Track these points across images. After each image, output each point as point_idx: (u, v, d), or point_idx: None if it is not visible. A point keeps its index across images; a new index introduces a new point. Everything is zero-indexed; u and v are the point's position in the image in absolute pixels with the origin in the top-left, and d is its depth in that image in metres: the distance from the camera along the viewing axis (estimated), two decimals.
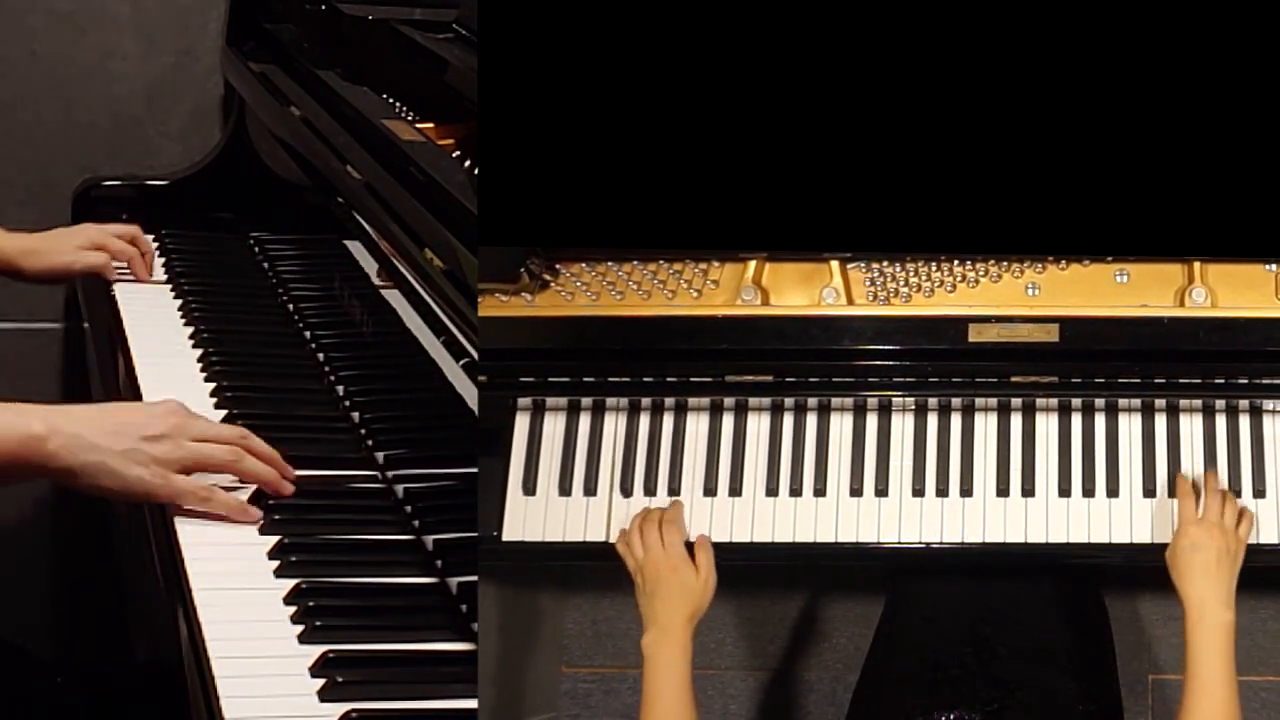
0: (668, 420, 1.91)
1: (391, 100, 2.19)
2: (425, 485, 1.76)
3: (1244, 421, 1.84)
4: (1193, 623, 1.65)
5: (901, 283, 1.83)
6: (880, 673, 1.96)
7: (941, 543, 1.83)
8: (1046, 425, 1.87)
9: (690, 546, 1.79)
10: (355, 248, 2.06)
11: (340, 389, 2.04)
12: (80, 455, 1.60)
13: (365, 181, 1.95)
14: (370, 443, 1.89)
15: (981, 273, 1.83)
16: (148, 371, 2.04)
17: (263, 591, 1.56)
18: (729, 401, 1.90)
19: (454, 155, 1.94)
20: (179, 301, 2.30)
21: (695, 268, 1.86)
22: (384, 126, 1.99)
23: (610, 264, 1.86)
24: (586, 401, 1.91)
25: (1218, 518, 1.73)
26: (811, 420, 1.89)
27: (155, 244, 2.50)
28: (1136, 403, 1.85)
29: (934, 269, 1.83)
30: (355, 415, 1.95)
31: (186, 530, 1.65)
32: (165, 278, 2.40)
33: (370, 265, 1.98)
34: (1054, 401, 1.86)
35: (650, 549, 1.77)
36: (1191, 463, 1.83)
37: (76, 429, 1.60)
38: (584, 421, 1.92)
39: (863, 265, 1.84)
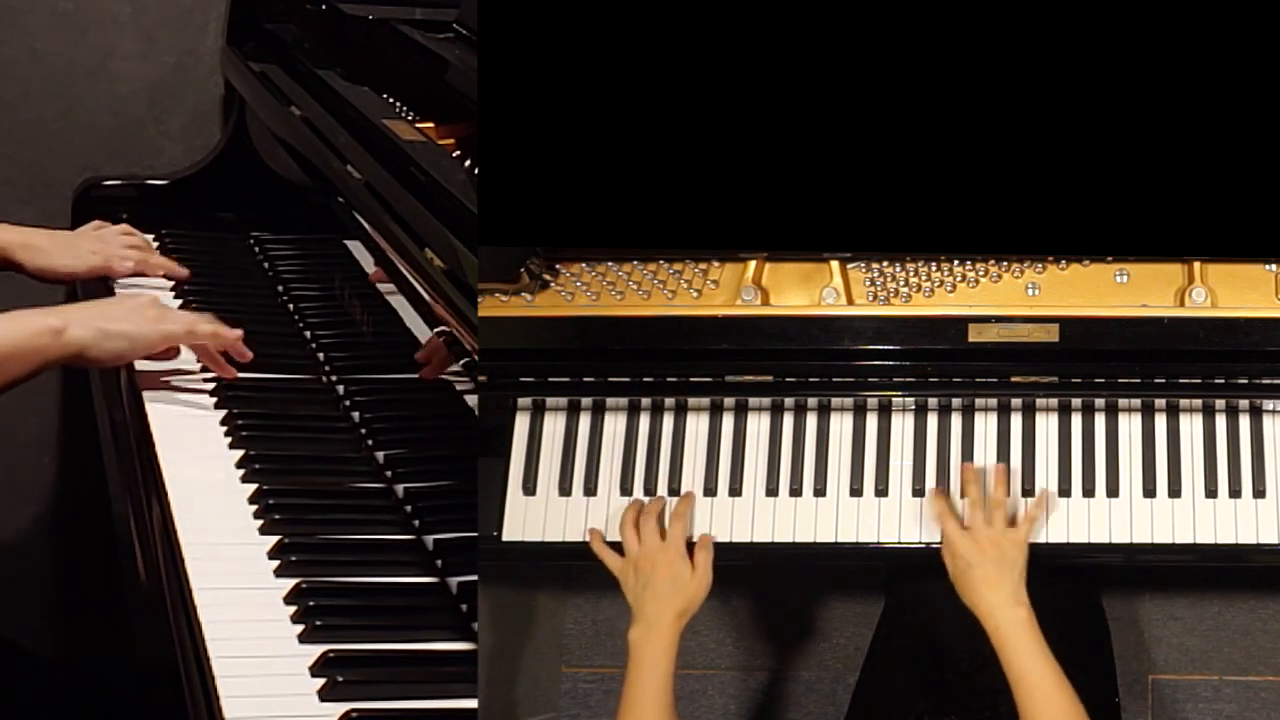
0: (668, 420, 1.91)
1: (392, 100, 2.19)
2: (425, 485, 1.76)
3: (1244, 421, 1.84)
4: (991, 632, 1.67)
5: (901, 283, 1.83)
6: (879, 675, 1.96)
7: (941, 543, 1.82)
8: (1046, 425, 1.87)
9: (690, 546, 1.79)
10: (355, 247, 2.07)
11: (341, 389, 2.04)
12: (92, 326, 1.87)
13: (366, 181, 1.95)
14: (370, 442, 1.89)
15: (981, 273, 1.83)
16: (148, 370, 2.04)
17: (263, 591, 1.56)
18: (729, 401, 1.90)
19: (454, 155, 1.94)
20: (179, 301, 2.30)
21: (695, 268, 1.86)
22: (384, 126, 1.99)
23: (610, 264, 1.86)
24: (586, 401, 1.91)
25: (983, 528, 1.73)
26: (811, 420, 1.89)
27: (155, 244, 2.50)
28: (1136, 403, 1.85)
29: (934, 269, 1.83)
30: (355, 415, 1.95)
31: (187, 530, 1.65)
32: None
33: (371, 265, 1.99)
34: (1054, 401, 1.86)
35: (647, 540, 1.76)
36: (1191, 462, 1.83)
37: (82, 314, 1.90)
38: (584, 421, 1.92)
39: (863, 265, 1.84)
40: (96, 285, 2.35)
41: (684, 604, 1.72)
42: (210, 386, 2.00)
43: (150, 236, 2.50)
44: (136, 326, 1.91)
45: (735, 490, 1.87)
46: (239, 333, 1.99)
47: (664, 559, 1.74)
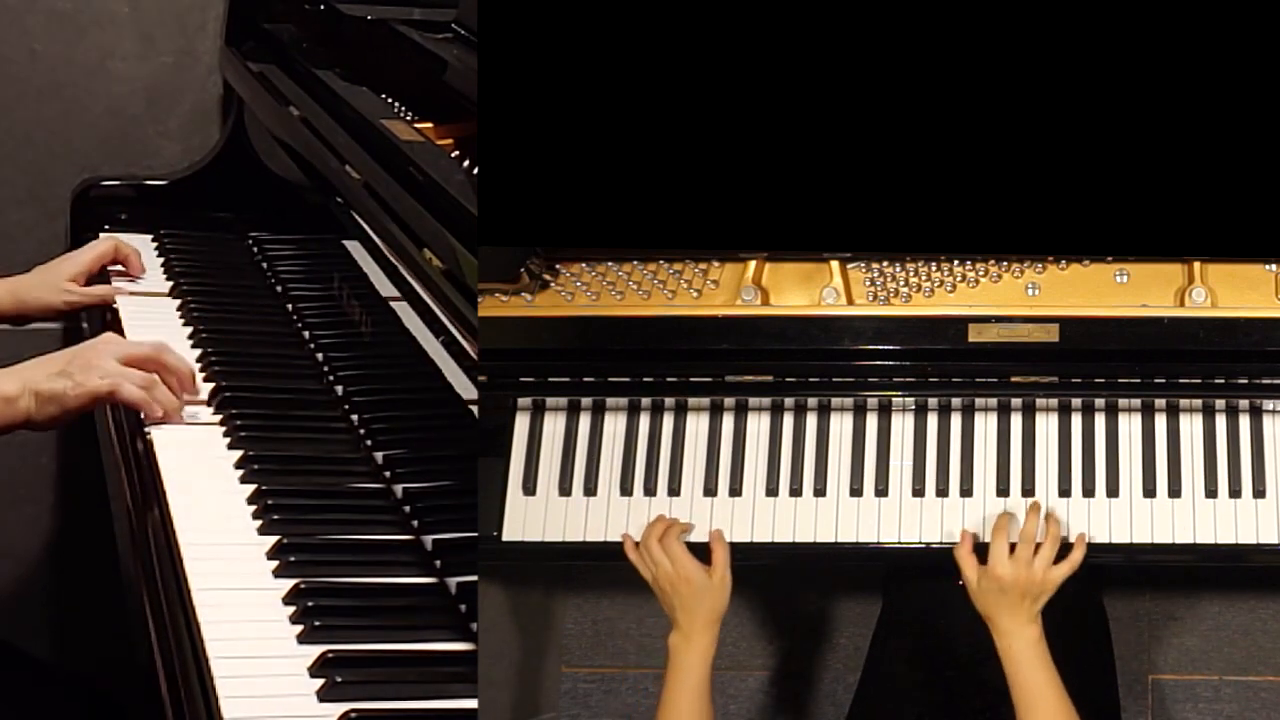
0: (668, 420, 1.91)
1: (390, 100, 2.19)
2: (425, 485, 1.76)
3: (1244, 421, 1.84)
4: (1003, 649, 1.68)
5: (901, 283, 1.83)
6: (879, 674, 1.96)
7: (941, 543, 1.82)
8: (1046, 425, 1.86)
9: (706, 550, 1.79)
10: (354, 248, 2.06)
11: (340, 389, 2.04)
12: (37, 391, 1.78)
13: (364, 181, 1.94)
14: (370, 443, 1.89)
15: (981, 273, 1.82)
16: None
17: (262, 591, 1.56)
18: (729, 401, 1.90)
19: (453, 155, 1.94)
20: (178, 301, 2.30)
21: (695, 268, 1.86)
22: (383, 126, 1.98)
23: (610, 264, 1.86)
24: (586, 401, 1.91)
25: (1026, 562, 1.71)
26: (811, 420, 1.89)
27: (154, 244, 2.50)
28: (1136, 403, 1.85)
29: (934, 269, 1.83)
30: (355, 416, 1.95)
31: (186, 530, 1.65)
32: (165, 278, 2.40)
33: (370, 265, 1.98)
34: (1054, 401, 1.86)
35: (660, 564, 1.77)
36: (1191, 462, 1.83)
37: (33, 375, 1.79)
38: (584, 421, 1.92)
39: (863, 265, 1.84)
40: (93, 280, 2.34)
41: (710, 608, 1.75)
42: (210, 387, 1.99)
43: (149, 237, 2.49)
44: (64, 388, 1.80)
45: (735, 490, 1.87)
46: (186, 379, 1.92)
47: (678, 576, 1.76)
